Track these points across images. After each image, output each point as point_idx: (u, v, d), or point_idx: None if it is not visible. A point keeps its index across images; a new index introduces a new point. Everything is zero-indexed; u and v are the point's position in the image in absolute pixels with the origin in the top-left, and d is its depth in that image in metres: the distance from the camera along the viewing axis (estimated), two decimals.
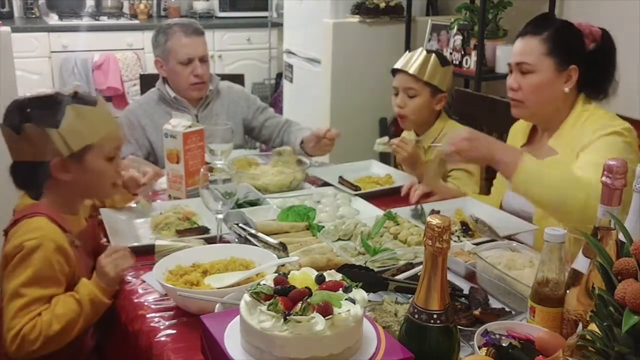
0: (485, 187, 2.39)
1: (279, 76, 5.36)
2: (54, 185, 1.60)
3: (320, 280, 1.09)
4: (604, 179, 1.08)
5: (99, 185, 1.66)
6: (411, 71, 2.34)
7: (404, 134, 2.49)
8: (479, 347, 1.12)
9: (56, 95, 1.59)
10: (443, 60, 2.39)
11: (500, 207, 2.04)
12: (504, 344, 1.09)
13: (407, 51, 2.46)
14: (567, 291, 1.17)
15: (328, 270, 1.14)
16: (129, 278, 1.58)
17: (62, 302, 1.48)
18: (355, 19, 3.79)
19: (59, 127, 1.53)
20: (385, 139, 2.31)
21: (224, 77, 2.77)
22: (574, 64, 1.84)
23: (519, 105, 1.92)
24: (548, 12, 1.98)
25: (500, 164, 1.71)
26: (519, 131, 2.09)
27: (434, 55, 2.36)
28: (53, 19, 5.16)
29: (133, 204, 1.93)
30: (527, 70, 1.86)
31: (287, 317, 0.99)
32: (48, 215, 1.55)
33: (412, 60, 2.36)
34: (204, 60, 2.51)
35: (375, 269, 1.46)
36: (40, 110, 1.55)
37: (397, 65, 2.40)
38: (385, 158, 2.74)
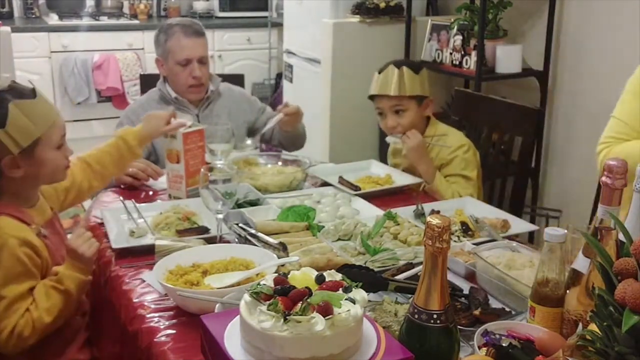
0: (484, 192, 2.39)
1: (279, 76, 5.35)
2: (7, 183, 1.59)
3: (320, 280, 1.09)
4: (604, 178, 1.08)
5: (52, 173, 1.66)
6: (392, 93, 2.31)
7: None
8: (479, 347, 1.12)
9: None
10: (415, 68, 2.35)
11: None
12: (504, 344, 1.09)
13: (377, 73, 2.39)
14: (567, 291, 1.17)
15: (328, 270, 1.14)
16: (129, 278, 1.58)
17: (45, 294, 1.53)
18: (355, 19, 3.79)
19: (5, 127, 1.51)
20: (399, 136, 2.31)
21: (224, 77, 2.77)
22: None
23: None
24: None
25: None
26: None
27: (404, 67, 2.32)
28: (53, 19, 5.16)
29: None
30: None
31: (287, 317, 0.99)
32: (6, 213, 1.55)
33: (388, 82, 2.32)
34: (202, 62, 2.50)
35: (375, 269, 1.46)
36: None
37: (374, 91, 2.37)
38: (384, 158, 2.74)
